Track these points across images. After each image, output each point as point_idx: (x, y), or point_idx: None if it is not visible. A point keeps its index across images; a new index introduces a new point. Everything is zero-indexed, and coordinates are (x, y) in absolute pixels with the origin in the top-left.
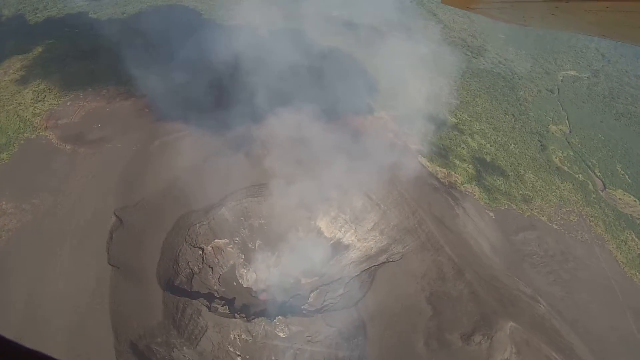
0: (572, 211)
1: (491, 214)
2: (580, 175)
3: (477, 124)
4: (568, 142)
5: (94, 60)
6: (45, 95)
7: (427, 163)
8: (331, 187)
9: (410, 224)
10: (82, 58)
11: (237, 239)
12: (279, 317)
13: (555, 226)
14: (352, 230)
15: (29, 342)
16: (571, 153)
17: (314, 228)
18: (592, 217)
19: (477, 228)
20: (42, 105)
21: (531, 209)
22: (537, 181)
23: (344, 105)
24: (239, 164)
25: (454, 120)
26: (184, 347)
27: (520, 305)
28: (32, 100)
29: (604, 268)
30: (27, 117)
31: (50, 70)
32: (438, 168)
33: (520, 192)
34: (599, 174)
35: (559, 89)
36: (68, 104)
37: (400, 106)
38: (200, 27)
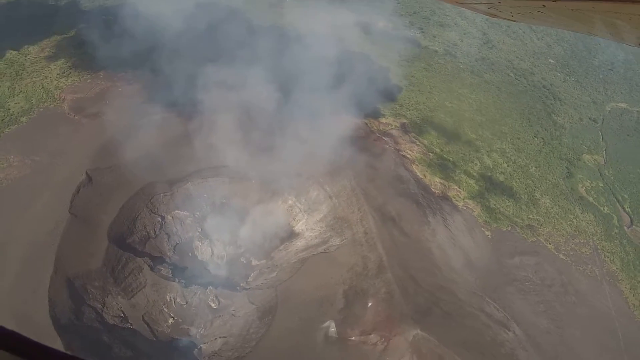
0: (586, 243)
1: (488, 233)
2: (605, 208)
3: (499, 142)
4: (600, 173)
5: (122, 46)
6: (70, 72)
7: (424, 172)
8: (293, 176)
9: (354, 218)
10: (113, 44)
11: (198, 213)
12: (210, 287)
13: (561, 256)
14: (304, 220)
15: None
16: (601, 184)
17: (271, 213)
18: (608, 252)
19: (454, 241)
20: (66, 80)
21: (537, 235)
22: (552, 208)
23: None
24: (211, 146)
25: (473, 136)
26: (119, 296)
27: (467, 323)
28: (57, 75)
29: (609, 307)
30: (50, 89)
31: (80, 51)
32: (437, 179)
33: (530, 216)
34: (628, 209)
35: (603, 119)
36: (88, 81)
37: (413, 114)
38: (232, 30)
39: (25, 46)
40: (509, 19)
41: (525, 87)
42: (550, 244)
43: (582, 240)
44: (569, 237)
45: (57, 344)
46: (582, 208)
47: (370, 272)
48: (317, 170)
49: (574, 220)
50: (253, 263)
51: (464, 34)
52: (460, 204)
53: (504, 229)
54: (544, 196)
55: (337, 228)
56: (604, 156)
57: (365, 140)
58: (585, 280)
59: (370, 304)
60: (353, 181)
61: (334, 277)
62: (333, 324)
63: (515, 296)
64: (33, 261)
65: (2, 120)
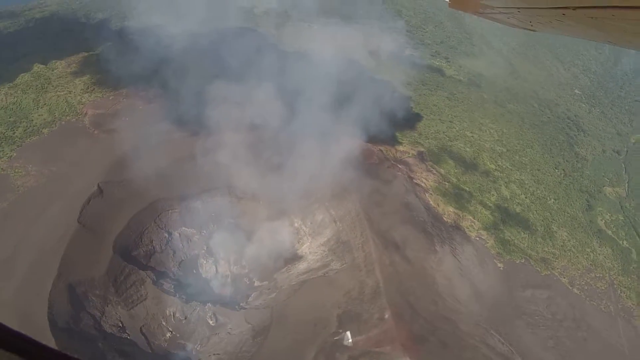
0: (602, 278)
1: (500, 264)
2: (624, 242)
3: (518, 173)
4: (621, 206)
5: (146, 66)
6: (94, 88)
7: (437, 201)
8: (301, 198)
9: (355, 243)
10: (137, 63)
11: (205, 232)
12: (209, 304)
13: (575, 290)
14: (308, 243)
15: (6, 267)
16: (621, 217)
17: (278, 235)
18: (625, 287)
19: (461, 271)
20: (89, 96)
21: (552, 268)
22: (569, 241)
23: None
24: (222, 166)
25: (492, 166)
26: (119, 306)
27: (466, 356)
28: (81, 90)
29: (622, 345)
30: (73, 104)
31: (105, 68)
32: (450, 208)
33: (545, 249)
34: None
35: (627, 151)
36: (110, 98)
37: (431, 143)
38: (255, 57)
39: (53, 61)
40: (529, 29)
41: (549, 117)
42: (564, 277)
43: (598, 275)
44: (584, 271)
45: (51, 345)
46: (600, 241)
47: (365, 297)
48: (325, 193)
49: (591, 254)
50: (256, 284)
51: (490, 63)
52: (473, 235)
53: (517, 261)
54: (561, 229)
55: (339, 252)
56: (626, 189)
57: (378, 166)
58: (599, 315)
59: (360, 330)
60: (358, 205)
61: (329, 301)
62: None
63: (524, 330)
64: (39, 265)
65: (25, 130)
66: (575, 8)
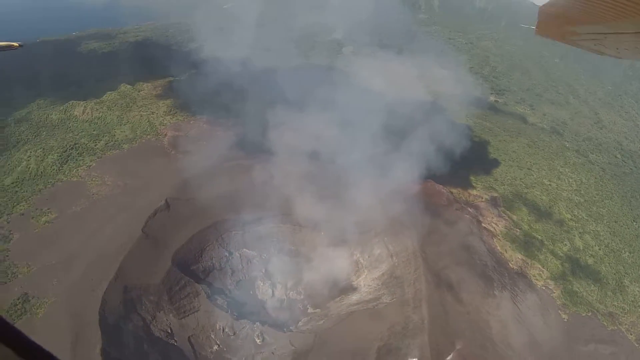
0: None
1: (564, 316)
2: None
3: (593, 224)
4: None
5: (228, 95)
6: (176, 112)
7: (505, 246)
8: (363, 232)
9: (408, 279)
10: (220, 91)
11: (265, 255)
12: (257, 323)
13: None
14: (364, 275)
15: (69, 263)
16: None
17: (337, 265)
18: None
19: (520, 318)
20: (171, 118)
21: (619, 324)
22: None
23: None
24: (288, 194)
25: (567, 216)
26: (170, 314)
27: None
28: (164, 113)
29: None
30: (155, 124)
31: (189, 94)
32: (519, 255)
33: (614, 303)
34: None
35: None
36: (190, 122)
37: (506, 189)
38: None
39: (140, 82)
40: (615, 56)
41: (631, 169)
42: (631, 334)
43: None
44: None
45: (96, 338)
46: None
47: (408, 333)
48: (385, 229)
49: None
50: (309, 310)
51: (575, 113)
52: (539, 284)
53: (584, 314)
54: (633, 283)
55: (391, 286)
56: None
57: (446, 207)
58: None
59: None
60: (415, 242)
61: (372, 332)
62: None
63: None
64: (99, 265)
65: (106, 144)
66: None
